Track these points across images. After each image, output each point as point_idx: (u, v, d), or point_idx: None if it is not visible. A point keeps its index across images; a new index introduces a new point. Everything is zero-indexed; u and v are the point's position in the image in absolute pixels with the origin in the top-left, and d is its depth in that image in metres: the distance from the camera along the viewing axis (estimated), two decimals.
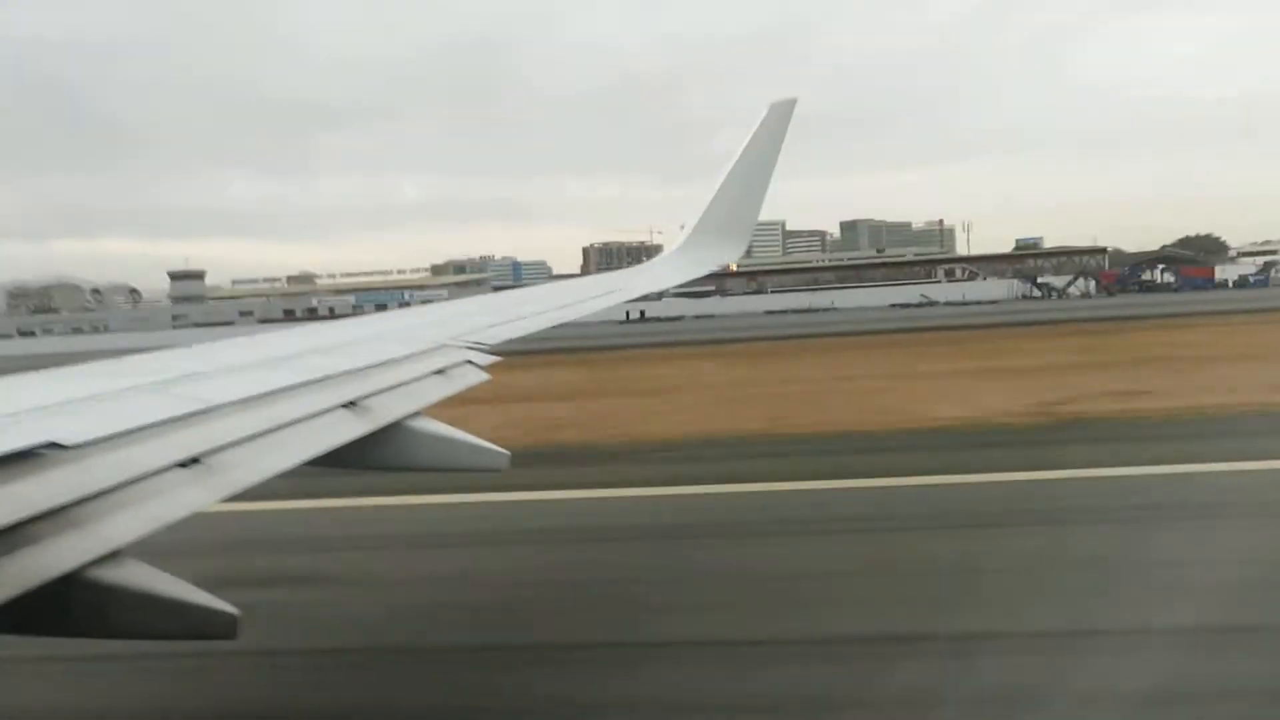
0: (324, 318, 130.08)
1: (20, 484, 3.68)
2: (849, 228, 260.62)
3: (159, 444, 4.38)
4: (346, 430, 5.40)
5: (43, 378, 5.31)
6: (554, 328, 10.46)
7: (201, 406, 4.86)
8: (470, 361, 7.43)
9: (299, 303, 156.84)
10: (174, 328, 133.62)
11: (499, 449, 6.40)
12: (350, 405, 5.65)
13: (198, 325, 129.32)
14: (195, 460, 4.35)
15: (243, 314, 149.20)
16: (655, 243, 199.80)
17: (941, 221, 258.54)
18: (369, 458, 5.81)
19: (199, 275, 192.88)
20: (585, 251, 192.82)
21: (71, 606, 3.62)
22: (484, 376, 7.36)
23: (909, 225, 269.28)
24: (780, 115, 15.55)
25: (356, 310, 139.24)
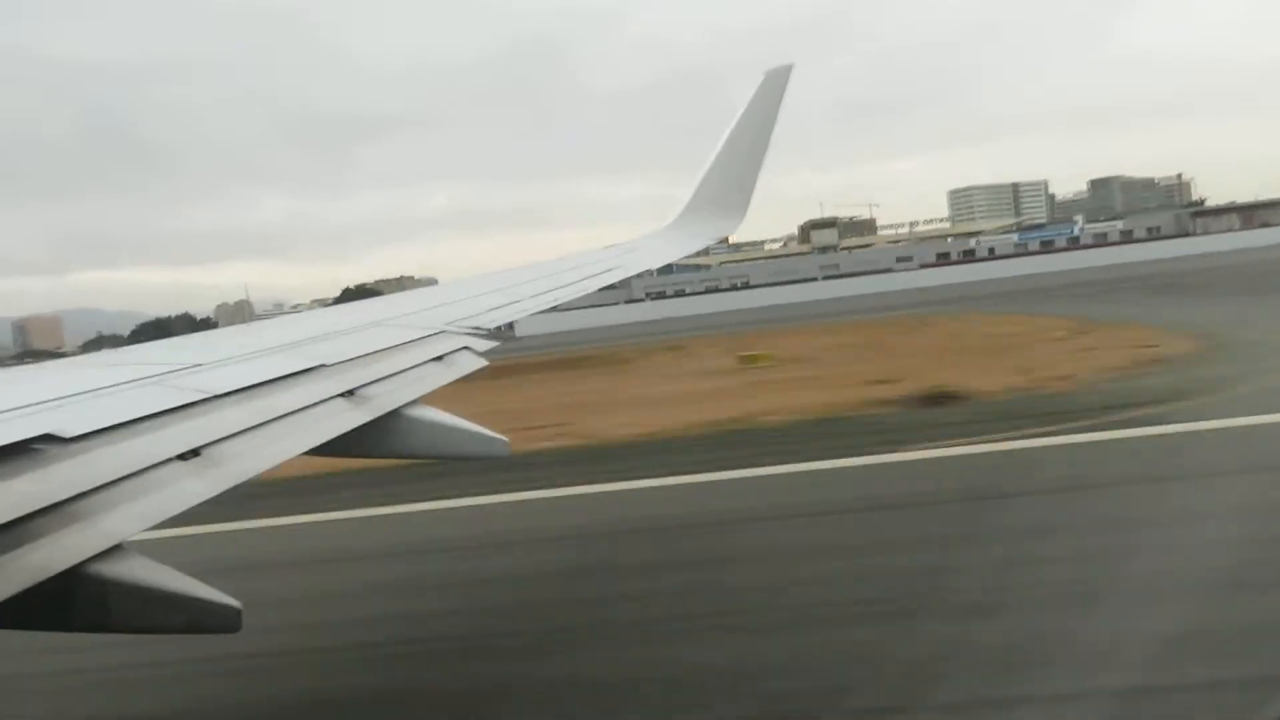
0: (984, 259, 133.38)
1: (21, 479, 3.69)
2: (1100, 185, 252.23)
3: (158, 436, 4.38)
4: (345, 420, 5.40)
5: (42, 371, 5.31)
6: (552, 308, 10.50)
7: (200, 398, 4.86)
8: (467, 348, 7.41)
9: (953, 246, 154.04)
10: (824, 278, 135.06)
11: (499, 436, 6.37)
12: (349, 394, 5.65)
13: (849, 275, 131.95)
14: (195, 452, 4.36)
15: (900, 260, 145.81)
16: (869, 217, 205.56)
17: (1180, 175, 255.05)
18: (369, 446, 5.80)
19: (832, 223, 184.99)
20: (802, 229, 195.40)
21: (74, 601, 3.63)
22: (481, 363, 7.34)
23: (1154, 180, 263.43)
24: (775, 83, 15.24)
25: (1018, 249, 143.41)
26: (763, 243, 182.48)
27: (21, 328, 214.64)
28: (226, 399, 4.98)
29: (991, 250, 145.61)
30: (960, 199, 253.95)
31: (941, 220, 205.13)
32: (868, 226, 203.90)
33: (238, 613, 3.86)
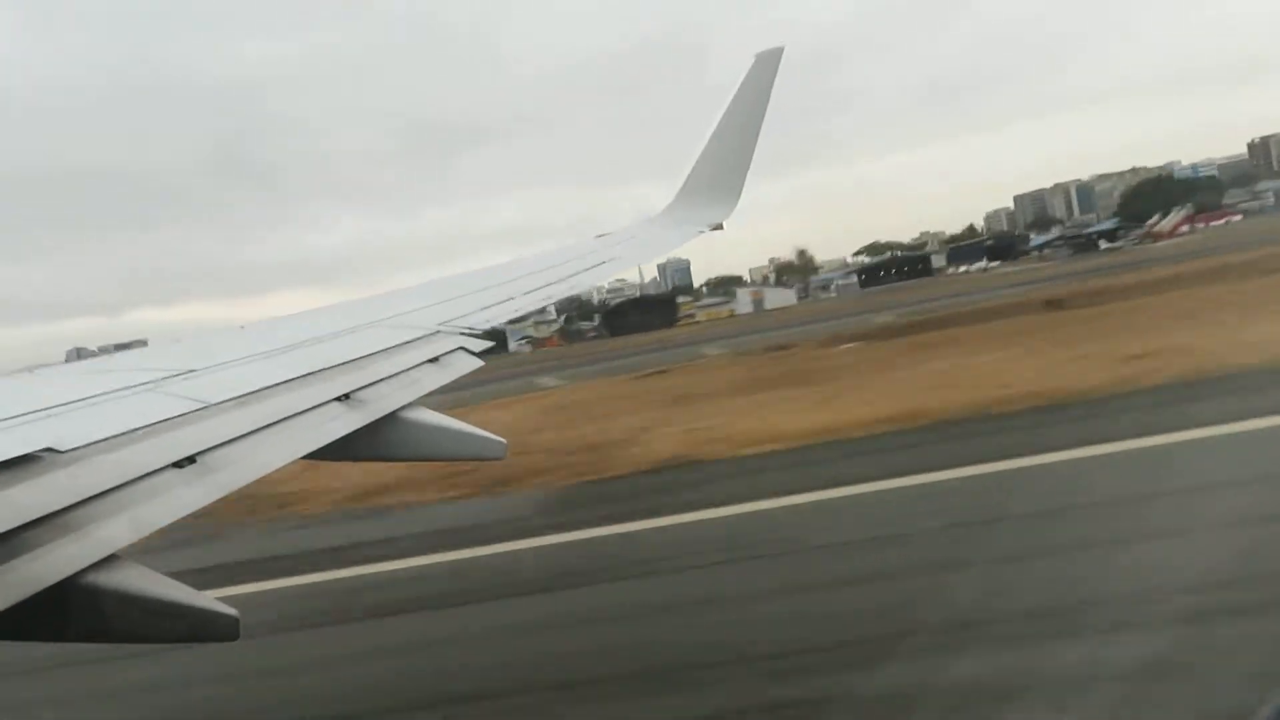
0: None
1: (14, 489, 3.67)
2: None
3: (153, 444, 4.36)
4: (341, 424, 5.39)
5: (35, 380, 5.29)
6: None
7: (195, 405, 4.84)
8: (464, 348, 7.40)
9: None
10: None
11: (496, 437, 6.35)
12: (344, 398, 5.63)
13: None
14: (191, 460, 4.34)
15: None
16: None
17: None
18: (365, 449, 5.79)
19: None
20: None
21: (69, 611, 3.61)
22: (478, 363, 7.33)
23: None
24: (767, 66, 15.11)
25: None
26: None
27: None
28: (221, 405, 4.96)
29: None
30: None
31: None
32: None
33: (235, 622, 3.83)
